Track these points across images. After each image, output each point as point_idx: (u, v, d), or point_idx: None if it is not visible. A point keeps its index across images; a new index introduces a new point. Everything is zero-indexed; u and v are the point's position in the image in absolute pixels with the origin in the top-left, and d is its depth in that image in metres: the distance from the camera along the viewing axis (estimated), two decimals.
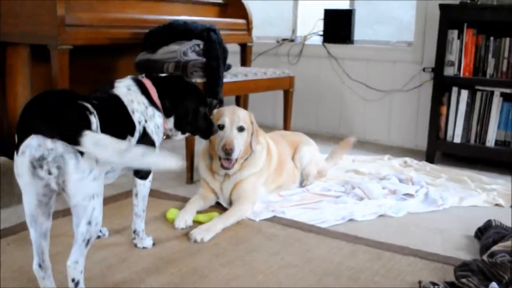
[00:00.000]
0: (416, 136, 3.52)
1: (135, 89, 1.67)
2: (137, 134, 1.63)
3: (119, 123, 1.56)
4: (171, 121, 1.77)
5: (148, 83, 1.72)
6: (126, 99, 1.62)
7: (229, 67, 2.86)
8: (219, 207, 2.20)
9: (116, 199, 2.31)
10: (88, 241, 1.36)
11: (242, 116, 2.14)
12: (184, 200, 2.23)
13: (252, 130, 2.18)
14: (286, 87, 3.12)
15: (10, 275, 1.60)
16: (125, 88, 1.65)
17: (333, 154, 2.87)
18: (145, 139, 1.66)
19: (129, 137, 1.59)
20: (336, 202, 2.31)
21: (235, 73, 2.81)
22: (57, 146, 1.28)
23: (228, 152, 2.06)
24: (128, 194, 2.31)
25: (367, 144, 3.59)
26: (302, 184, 2.54)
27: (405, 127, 3.57)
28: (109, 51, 3.02)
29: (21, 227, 1.89)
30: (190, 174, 2.61)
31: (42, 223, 1.37)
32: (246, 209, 2.10)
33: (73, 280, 1.35)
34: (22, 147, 1.28)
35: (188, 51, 2.62)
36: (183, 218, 2.01)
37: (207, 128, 1.86)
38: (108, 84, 1.67)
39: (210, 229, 1.92)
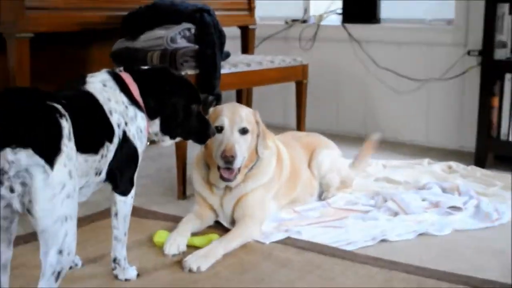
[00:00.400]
0: (461, 135, 3.51)
1: (111, 84, 1.67)
2: (116, 140, 1.64)
3: (94, 127, 1.56)
4: (156, 123, 1.77)
5: (127, 77, 1.72)
6: (101, 97, 1.63)
7: (227, 55, 2.86)
8: (219, 228, 2.19)
9: (91, 220, 2.31)
10: (59, 273, 1.37)
11: (245, 115, 2.14)
12: (176, 220, 2.22)
13: (257, 132, 2.18)
14: (298, 78, 3.11)
15: None
16: (99, 84, 1.65)
17: (359, 158, 2.86)
18: (126, 146, 1.66)
19: (106, 143, 1.60)
20: (365, 218, 2.30)
21: (235, 63, 2.81)
22: (20, 158, 1.28)
23: (228, 160, 2.05)
24: (105, 214, 2.29)
25: (401, 146, 3.58)
26: (321, 197, 2.55)
27: (447, 124, 3.55)
28: (80, 39, 3.02)
29: None
30: (182, 188, 2.60)
31: (1, 253, 1.40)
32: (252, 229, 2.10)
33: None
34: None
35: (177, 36, 2.62)
36: (175, 242, 2.00)
37: (202, 130, 1.86)
38: (79, 80, 1.67)
39: (208, 255, 1.91)
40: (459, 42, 3.46)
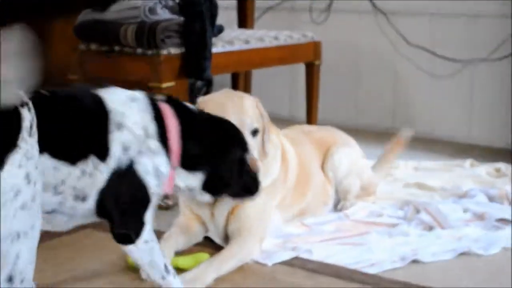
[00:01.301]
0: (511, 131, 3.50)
1: (143, 107, 1.65)
2: (112, 163, 1.58)
3: (79, 132, 1.53)
4: (196, 177, 1.74)
5: (167, 110, 1.69)
6: (114, 107, 1.59)
7: (220, 30, 2.86)
8: (210, 245, 2.19)
9: (51, 235, 2.29)
10: None
11: (251, 109, 2.12)
12: (156, 235, 2.21)
13: (263, 126, 2.16)
14: (309, 58, 3.11)
15: None
16: (124, 97, 1.64)
17: (384, 159, 2.86)
18: (130, 179, 1.61)
19: (93, 158, 1.55)
20: (392, 234, 2.30)
21: (230, 39, 2.81)
22: None
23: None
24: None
25: (436, 144, 3.59)
26: (338, 207, 2.55)
27: (494, 117, 3.56)
28: (34, 9, 3.02)
29: None
30: (163, 196, 2.59)
31: None
32: (251, 247, 2.10)
33: None
34: None
35: (157, 6, 2.62)
36: None
37: (253, 185, 1.87)
38: (101, 87, 1.65)
39: (196, 280, 1.91)
40: (508, 14, 3.45)
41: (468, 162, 3.15)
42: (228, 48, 2.76)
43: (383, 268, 2.06)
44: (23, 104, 1.37)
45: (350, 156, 2.58)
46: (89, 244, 2.25)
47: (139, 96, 1.67)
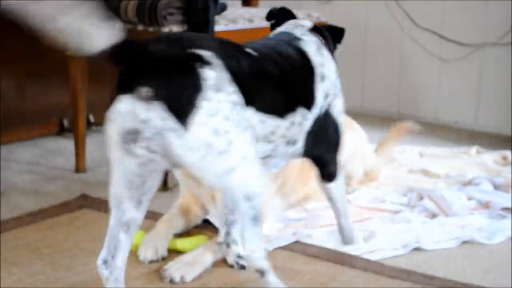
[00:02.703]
0: None
1: (325, 52, 1.86)
2: (316, 111, 1.78)
3: (286, 87, 1.70)
4: None
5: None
6: (315, 60, 1.80)
7: (223, 7, 2.84)
8: (209, 228, 2.20)
9: (47, 214, 2.32)
10: (255, 217, 1.57)
11: None
12: (154, 217, 2.22)
13: None
14: None
15: None
16: (315, 46, 1.84)
17: (386, 144, 2.87)
18: (330, 122, 1.84)
19: (300, 109, 1.73)
20: (394, 220, 2.31)
21: (233, 18, 2.79)
22: (153, 117, 1.41)
23: None
24: (64, 207, 2.34)
25: (442, 129, 3.59)
26: None
27: (503, 103, 3.56)
28: None
29: None
30: (163, 177, 2.59)
31: (125, 210, 1.56)
32: None
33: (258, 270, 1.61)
34: (111, 113, 1.45)
35: None
36: (153, 245, 2.02)
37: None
38: (287, 31, 1.86)
39: (194, 263, 1.92)
40: None
41: (474, 149, 3.15)
42: (232, 26, 2.75)
43: (384, 255, 2.07)
44: (205, 64, 1.46)
45: (353, 140, 2.58)
46: (85, 224, 2.27)
47: (316, 38, 1.86)
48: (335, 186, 1.97)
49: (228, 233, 1.93)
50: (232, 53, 1.56)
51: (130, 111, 1.43)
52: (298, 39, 1.82)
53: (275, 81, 1.65)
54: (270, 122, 1.64)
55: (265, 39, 1.85)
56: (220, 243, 1.95)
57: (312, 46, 1.83)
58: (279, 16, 2.00)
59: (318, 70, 1.79)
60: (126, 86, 1.43)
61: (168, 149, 1.45)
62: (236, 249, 1.93)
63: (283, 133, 1.69)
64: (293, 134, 1.73)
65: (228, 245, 1.93)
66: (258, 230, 1.59)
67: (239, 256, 1.92)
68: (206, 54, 1.48)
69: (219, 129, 1.45)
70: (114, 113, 1.45)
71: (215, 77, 1.47)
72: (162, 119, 1.42)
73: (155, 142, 1.45)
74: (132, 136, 1.45)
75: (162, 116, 1.41)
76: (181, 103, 1.42)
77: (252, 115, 1.58)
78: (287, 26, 1.92)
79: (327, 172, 1.94)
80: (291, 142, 1.74)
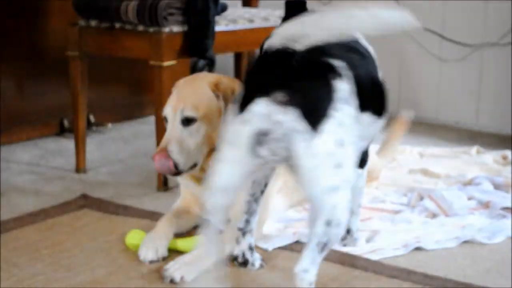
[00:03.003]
0: None
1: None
2: None
3: (383, 93, 1.83)
4: None
5: None
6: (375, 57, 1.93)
7: (224, 8, 2.85)
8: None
9: (47, 215, 2.31)
10: (325, 245, 1.59)
11: (198, 96, 2.06)
12: (154, 217, 2.24)
13: (217, 109, 2.13)
14: None
15: None
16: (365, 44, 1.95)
17: (388, 144, 2.86)
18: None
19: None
20: (394, 220, 2.31)
21: (233, 18, 2.79)
22: (286, 120, 1.50)
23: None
24: (64, 208, 2.34)
25: (442, 129, 3.59)
26: None
27: (502, 103, 3.55)
28: None
29: None
30: (163, 176, 2.60)
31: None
32: None
33: None
34: (247, 114, 1.53)
35: None
36: (153, 245, 2.02)
37: None
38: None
39: (195, 263, 1.91)
40: None
41: (474, 149, 3.14)
42: (232, 27, 2.75)
43: (384, 255, 2.07)
44: (338, 76, 1.56)
45: None
46: (85, 224, 2.27)
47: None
48: (362, 174, 2.05)
49: (248, 221, 1.95)
50: (358, 62, 1.69)
51: (266, 113, 1.51)
52: (355, 38, 1.88)
53: (376, 81, 1.80)
54: (376, 125, 1.79)
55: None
56: (239, 229, 1.95)
57: (365, 42, 1.93)
58: (296, 8, 2.01)
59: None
60: (263, 90, 1.52)
61: (291, 151, 1.52)
62: (250, 239, 1.95)
63: (375, 132, 1.86)
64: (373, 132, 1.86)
65: (244, 234, 1.95)
66: (319, 257, 1.61)
67: (250, 248, 1.95)
68: (339, 65, 1.58)
69: (343, 140, 1.54)
70: (249, 114, 1.53)
71: (345, 90, 1.56)
72: (294, 122, 1.50)
73: (281, 144, 1.52)
74: (262, 137, 1.52)
75: (295, 120, 1.50)
76: (314, 112, 1.51)
77: (366, 118, 1.69)
78: None
79: (362, 157, 1.95)
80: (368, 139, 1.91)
